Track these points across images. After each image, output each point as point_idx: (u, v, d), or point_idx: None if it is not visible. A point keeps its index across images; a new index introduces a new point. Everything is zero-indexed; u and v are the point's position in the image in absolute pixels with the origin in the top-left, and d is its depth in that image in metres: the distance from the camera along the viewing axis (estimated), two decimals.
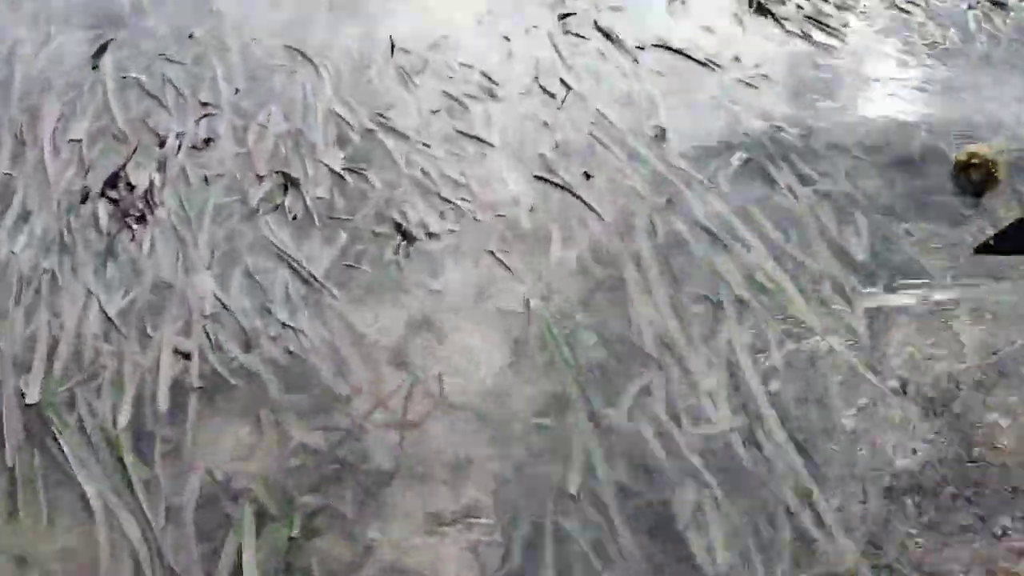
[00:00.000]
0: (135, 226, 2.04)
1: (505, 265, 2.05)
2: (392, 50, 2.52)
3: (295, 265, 2.01)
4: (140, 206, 2.09)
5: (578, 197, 2.20)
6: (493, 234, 2.12)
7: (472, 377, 1.83)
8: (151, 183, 2.14)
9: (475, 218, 2.14)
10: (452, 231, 2.11)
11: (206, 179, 2.16)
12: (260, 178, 2.17)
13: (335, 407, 1.77)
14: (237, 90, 2.40)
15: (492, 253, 2.07)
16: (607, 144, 2.34)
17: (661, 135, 2.37)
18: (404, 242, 2.08)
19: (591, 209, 2.18)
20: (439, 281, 2.01)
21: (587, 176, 2.25)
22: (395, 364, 1.85)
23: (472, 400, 1.79)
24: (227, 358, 1.84)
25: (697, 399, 1.80)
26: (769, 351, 1.89)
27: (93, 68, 2.41)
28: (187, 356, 1.83)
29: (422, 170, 2.19)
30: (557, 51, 2.59)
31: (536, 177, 2.23)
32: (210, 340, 1.86)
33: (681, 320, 1.94)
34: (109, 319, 1.88)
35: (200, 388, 1.79)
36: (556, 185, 2.22)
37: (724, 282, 2.02)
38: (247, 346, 1.87)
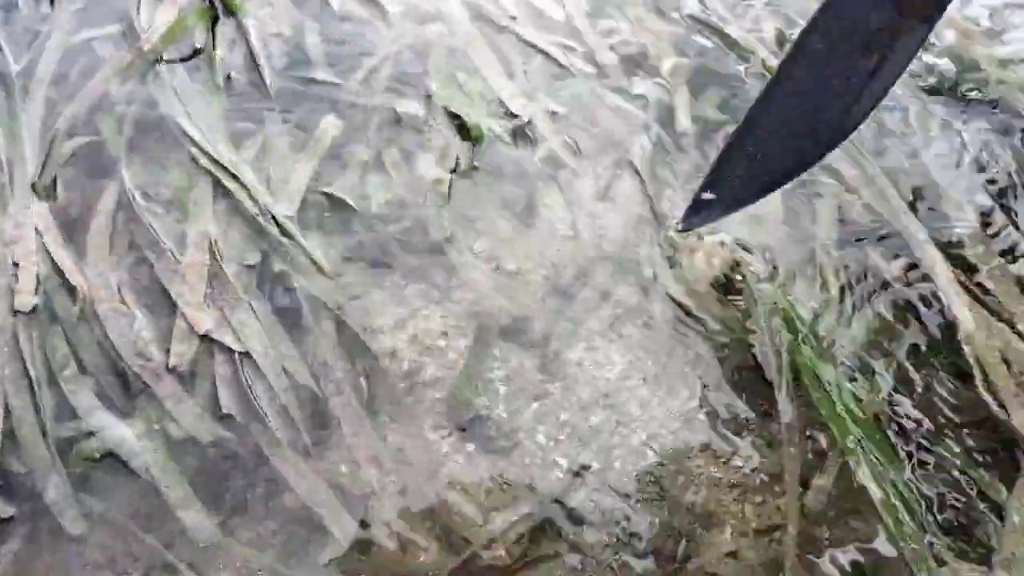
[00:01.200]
0: None
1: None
2: None
3: (233, 189, 0.94)
4: None
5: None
6: (633, 128, 1.04)
7: (623, 454, 0.84)
8: None
9: (596, 92, 1.06)
10: (555, 114, 1.04)
11: None
12: None
13: (320, 548, 0.77)
14: None
15: (636, 170, 1.00)
16: None
17: None
18: (460, 144, 1.00)
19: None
20: (535, 234, 0.96)
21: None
22: (453, 425, 0.84)
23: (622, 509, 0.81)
24: (76, 428, 0.79)
25: None
26: None
27: None
28: None
29: None
30: None
31: (690, 18, 1.15)
32: (31, 378, 0.80)
33: None
34: None
35: (8, 519, 0.75)
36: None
37: None
38: (127, 393, 0.82)
